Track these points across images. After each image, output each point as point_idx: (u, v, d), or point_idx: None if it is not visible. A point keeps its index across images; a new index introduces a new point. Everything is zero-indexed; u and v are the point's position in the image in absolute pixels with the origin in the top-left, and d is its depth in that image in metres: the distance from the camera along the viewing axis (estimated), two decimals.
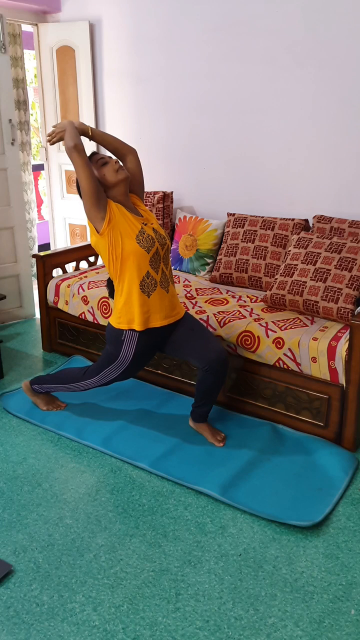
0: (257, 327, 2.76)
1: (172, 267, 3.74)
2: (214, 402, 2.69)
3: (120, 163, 2.49)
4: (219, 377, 2.54)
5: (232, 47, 3.51)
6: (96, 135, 2.55)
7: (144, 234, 2.40)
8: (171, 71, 3.80)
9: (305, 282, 2.84)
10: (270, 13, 3.31)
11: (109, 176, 2.42)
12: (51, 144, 2.55)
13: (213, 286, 3.40)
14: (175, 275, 3.58)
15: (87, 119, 4.27)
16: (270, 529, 2.14)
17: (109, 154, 2.68)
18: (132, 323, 2.47)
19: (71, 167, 4.51)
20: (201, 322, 2.71)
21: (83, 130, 2.50)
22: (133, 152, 2.59)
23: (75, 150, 2.36)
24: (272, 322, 2.80)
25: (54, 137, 2.51)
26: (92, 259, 4.02)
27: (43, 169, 4.76)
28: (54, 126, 2.52)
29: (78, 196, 2.47)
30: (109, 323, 2.57)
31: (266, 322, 2.79)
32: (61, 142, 2.54)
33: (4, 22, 3.71)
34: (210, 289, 3.35)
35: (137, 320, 2.45)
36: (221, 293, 3.25)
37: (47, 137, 2.56)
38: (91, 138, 2.54)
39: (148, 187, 3.94)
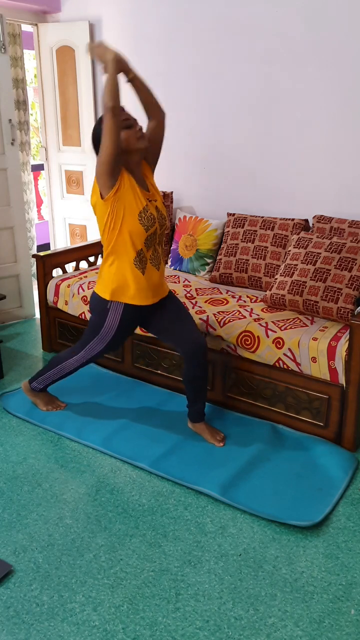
0: (257, 327, 2.76)
1: (173, 267, 3.74)
2: (205, 397, 2.68)
3: (143, 130, 2.38)
4: (199, 366, 2.57)
5: (232, 47, 3.51)
6: (135, 81, 2.37)
7: (147, 211, 2.35)
8: (171, 71, 3.80)
9: (305, 282, 2.84)
10: (270, 13, 3.31)
11: (128, 142, 2.31)
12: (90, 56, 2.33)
13: (213, 286, 3.40)
14: (175, 275, 3.58)
15: (87, 119, 4.27)
16: (270, 529, 2.14)
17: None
18: (119, 295, 2.45)
19: (71, 167, 4.52)
20: (184, 306, 2.70)
21: (124, 70, 2.29)
22: (162, 117, 2.46)
23: (111, 112, 2.18)
24: (272, 322, 2.80)
25: (93, 55, 2.30)
26: (92, 259, 4.02)
27: (43, 169, 4.76)
28: (98, 45, 2.27)
29: (94, 155, 2.36)
30: (94, 292, 2.55)
31: (266, 322, 2.79)
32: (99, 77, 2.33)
33: (4, 22, 3.71)
34: (210, 289, 3.35)
35: (127, 294, 2.44)
36: (221, 293, 3.25)
37: (89, 48, 2.32)
38: (129, 81, 2.35)
39: None
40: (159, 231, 2.45)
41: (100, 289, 2.50)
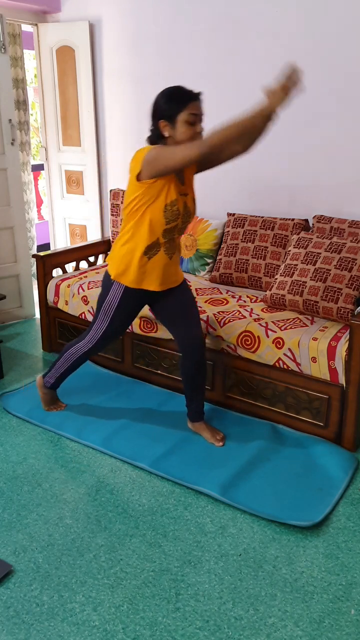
0: (257, 327, 2.76)
1: None
2: (203, 396, 2.69)
3: (202, 131, 2.25)
4: (195, 364, 2.59)
5: (231, 47, 3.51)
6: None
7: (173, 206, 2.30)
8: (171, 71, 3.80)
9: (305, 282, 2.84)
10: (270, 13, 3.31)
11: (182, 138, 2.22)
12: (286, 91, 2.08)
13: (213, 286, 3.40)
14: None
15: (87, 118, 4.27)
16: (270, 529, 2.14)
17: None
18: (122, 277, 2.43)
19: (71, 167, 4.51)
20: (195, 302, 2.64)
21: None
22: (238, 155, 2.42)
23: (211, 149, 2.10)
24: (272, 322, 2.80)
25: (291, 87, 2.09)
26: (92, 259, 4.02)
27: (43, 169, 4.75)
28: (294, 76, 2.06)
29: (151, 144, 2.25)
30: (107, 273, 2.51)
31: (266, 322, 2.79)
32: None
33: (4, 22, 3.71)
34: (210, 289, 3.35)
35: (129, 277, 2.41)
36: (221, 293, 3.25)
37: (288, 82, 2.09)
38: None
39: None
40: (180, 225, 2.40)
41: (110, 265, 2.48)
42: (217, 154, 2.34)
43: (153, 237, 2.35)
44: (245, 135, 2.22)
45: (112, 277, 2.46)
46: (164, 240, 2.38)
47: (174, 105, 2.21)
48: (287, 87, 2.08)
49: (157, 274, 2.43)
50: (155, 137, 2.31)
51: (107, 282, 2.50)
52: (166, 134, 2.26)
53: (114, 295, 2.47)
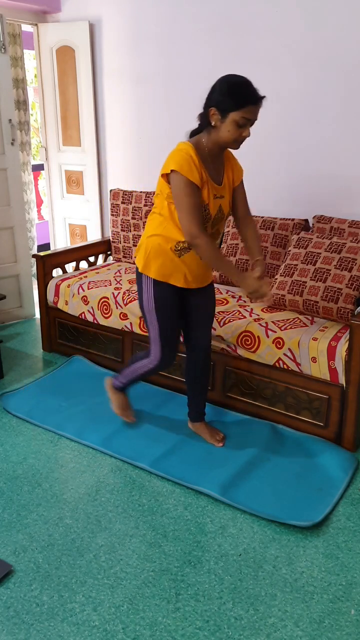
0: (257, 327, 2.76)
1: None
2: (206, 397, 2.68)
3: (248, 136, 2.16)
4: (201, 369, 2.60)
5: (232, 47, 3.51)
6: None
7: (205, 210, 2.19)
8: (171, 71, 3.80)
9: (305, 282, 2.84)
10: (270, 13, 3.31)
11: (228, 137, 2.12)
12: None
13: None
14: None
15: (87, 118, 4.27)
16: (270, 529, 2.14)
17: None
18: (150, 270, 2.31)
19: (71, 167, 4.51)
20: (214, 307, 2.61)
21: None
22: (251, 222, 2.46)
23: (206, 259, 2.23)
24: (272, 322, 2.80)
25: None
26: (92, 259, 4.02)
27: (43, 169, 4.75)
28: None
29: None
30: (136, 268, 2.41)
31: (266, 322, 2.79)
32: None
33: (4, 22, 3.71)
34: None
35: (157, 270, 2.30)
36: (221, 293, 3.25)
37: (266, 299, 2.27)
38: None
39: (148, 187, 3.94)
40: (210, 229, 2.29)
41: (138, 256, 2.37)
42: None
43: (182, 236, 2.23)
44: (226, 271, 2.27)
45: (140, 269, 2.36)
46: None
47: (232, 101, 2.07)
48: (265, 291, 2.21)
49: (185, 272, 2.31)
50: (204, 123, 2.18)
51: (138, 276, 2.39)
52: (213, 122, 2.13)
53: (148, 292, 2.35)
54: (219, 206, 2.26)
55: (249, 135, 2.15)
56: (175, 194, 2.15)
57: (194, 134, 2.26)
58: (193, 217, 2.13)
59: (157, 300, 2.36)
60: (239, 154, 3.78)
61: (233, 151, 2.34)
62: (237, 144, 2.18)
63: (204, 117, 2.18)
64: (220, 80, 2.15)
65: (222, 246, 3.47)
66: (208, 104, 2.15)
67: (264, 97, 2.12)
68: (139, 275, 2.39)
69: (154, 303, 2.36)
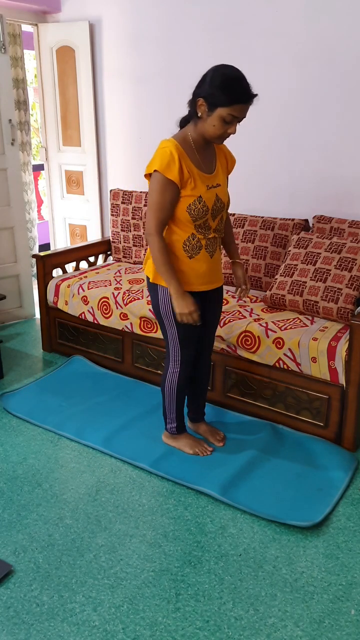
0: (257, 327, 2.76)
1: None
2: (206, 393, 2.68)
3: (233, 133, 2.10)
4: (203, 369, 2.60)
5: (232, 47, 3.51)
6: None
7: (200, 202, 2.13)
8: (171, 71, 3.80)
9: (305, 282, 2.84)
10: (271, 13, 3.31)
11: (214, 131, 2.07)
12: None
13: None
14: None
15: (87, 118, 4.27)
16: (270, 529, 2.14)
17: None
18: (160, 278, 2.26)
19: (71, 167, 4.51)
20: (220, 313, 2.59)
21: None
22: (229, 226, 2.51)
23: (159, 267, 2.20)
24: (272, 322, 2.80)
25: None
26: (92, 259, 4.02)
27: (43, 169, 4.75)
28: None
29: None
30: (147, 277, 2.35)
31: (266, 322, 2.79)
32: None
33: (4, 22, 3.71)
34: None
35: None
36: None
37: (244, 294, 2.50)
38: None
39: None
40: (212, 223, 2.22)
41: (150, 271, 2.31)
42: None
43: (187, 232, 2.19)
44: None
45: (151, 280, 2.30)
46: (201, 236, 2.22)
47: (221, 97, 2.00)
48: (195, 318, 2.23)
49: (198, 274, 2.27)
50: (192, 112, 2.13)
51: (151, 287, 2.34)
52: (199, 113, 2.08)
53: (164, 301, 2.29)
54: (215, 195, 2.19)
55: (234, 133, 2.09)
56: (149, 190, 2.15)
57: (183, 121, 2.21)
58: (157, 216, 2.13)
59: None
60: (240, 153, 3.79)
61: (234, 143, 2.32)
62: (220, 139, 2.13)
63: (192, 106, 2.11)
64: (213, 70, 2.06)
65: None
66: (197, 94, 2.08)
67: (256, 95, 2.05)
68: (153, 285, 2.32)
69: (171, 309, 2.29)
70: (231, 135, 2.14)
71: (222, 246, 2.43)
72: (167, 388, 2.48)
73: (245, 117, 2.08)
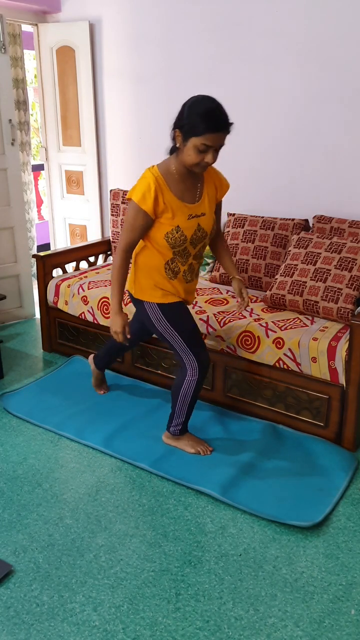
0: (257, 327, 2.76)
1: None
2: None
3: (211, 164, 2.16)
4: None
5: (232, 47, 3.51)
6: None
7: (177, 231, 2.23)
8: (171, 71, 3.80)
9: (305, 282, 2.84)
10: (271, 13, 3.31)
11: (189, 159, 2.13)
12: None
13: (213, 286, 3.40)
14: None
15: (87, 118, 4.27)
16: (270, 529, 2.14)
17: None
18: (150, 296, 2.37)
19: (71, 167, 4.52)
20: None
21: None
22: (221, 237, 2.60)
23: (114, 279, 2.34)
24: (272, 322, 2.80)
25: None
26: (92, 259, 4.02)
27: (43, 169, 4.75)
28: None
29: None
30: (130, 294, 2.47)
31: (266, 322, 2.79)
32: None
33: (4, 22, 3.71)
34: (210, 289, 3.35)
35: (157, 294, 2.35)
36: (221, 293, 3.25)
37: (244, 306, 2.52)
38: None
39: None
40: (192, 250, 2.33)
41: (135, 289, 2.43)
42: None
43: (165, 257, 2.30)
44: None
45: (136, 297, 2.42)
46: (179, 263, 2.33)
47: (192, 127, 2.06)
48: (121, 339, 2.40)
49: (176, 292, 2.39)
50: (173, 144, 2.20)
51: (138, 303, 2.44)
52: (177, 144, 2.16)
53: (155, 315, 2.39)
54: (197, 225, 2.27)
55: (212, 161, 2.12)
56: (126, 214, 2.27)
57: (171, 151, 2.26)
58: (127, 236, 2.26)
59: (168, 318, 2.39)
60: (241, 153, 3.80)
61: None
62: (199, 167, 2.16)
63: (172, 137, 2.20)
64: (188, 102, 2.12)
65: None
66: (174, 125, 2.15)
67: (230, 124, 2.08)
68: (139, 302, 2.42)
69: (166, 321, 2.39)
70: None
71: (219, 265, 2.56)
72: (183, 393, 2.47)
73: (222, 144, 2.12)
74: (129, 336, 2.40)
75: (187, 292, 2.45)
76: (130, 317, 2.71)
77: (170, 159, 2.24)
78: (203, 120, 2.04)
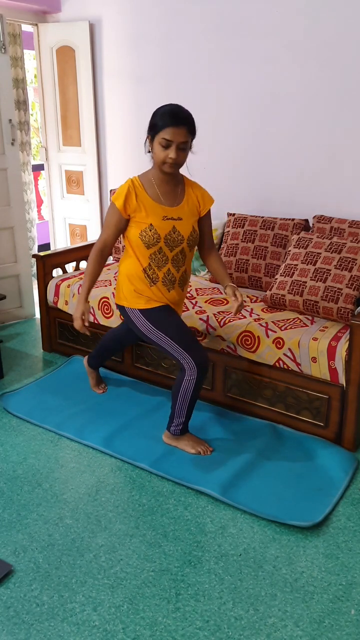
0: (257, 327, 2.76)
1: None
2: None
3: (175, 160, 2.29)
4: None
5: (232, 47, 3.51)
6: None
7: (151, 229, 2.36)
8: (171, 71, 3.80)
9: (305, 282, 2.84)
10: (270, 13, 3.31)
11: (156, 157, 2.32)
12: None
13: (213, 286, 3.40)
14: None
15: (87, 118, 4.27)
16: (270, 529, 2.14)
17: None
18: (131, 302, 2.49)
19: (71, 167, 4.52)
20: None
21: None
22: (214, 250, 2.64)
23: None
24: (272, 322, 2.80)
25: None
26: None
27: (43, 169, 4.76)
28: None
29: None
30: (116, 304, 2.61)
31: (266, 322, 2.79)
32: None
33: (4, 22, 3.71)
34: (210, 289, 3.35)
35: (139, 299, 2.47)
36: (221, 293, 3.25)
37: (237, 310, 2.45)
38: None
39: None
40: (169, 253, 2.42)
41: (118, 296, 2.58)
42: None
43: (143, 263, 2.43)
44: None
45: (119, 303, 2.55)
46: (155, 268, 2.43)
47: (155, 124, 2.28)
48: (77, 321, 2.50)
49: (159, 299, 2.48)
50: (147, 150, 2.40)
51: (124, 314, 2.57)
52: (149, 148, 2.36)
53: (138, 320, 2.50)
54: (171, 227, 2.38)
55: (175, 157, 2.26)
56: (106, 215, 2.47)
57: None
58: (103, 232, 2.46)
59: (153, 322, 2.47)
60: (241, 153, 3.80)
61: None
62: (165, 166, 2.32)
63: (144, 144, 2.40)
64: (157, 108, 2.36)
65: (222, 246, 3.47)
66: (147, 133, 2.37)
67: (188, 121, 2.27)
68: (123, 309, 2.55)
69: (152, 326, 2.47)
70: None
71: (212, 275, 2.62)
72: (182, 392, 2.47)
73: (180, 141, 2.25)
74: (87, 324, 2.49)
75: (172, 302, 2.53)
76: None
77: (150, 168, 2.44)
78: (162, 117, 2.26)
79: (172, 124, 2.23)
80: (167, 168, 2.32)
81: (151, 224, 2.37)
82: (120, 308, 2.58)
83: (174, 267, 2.47)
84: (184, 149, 2.28)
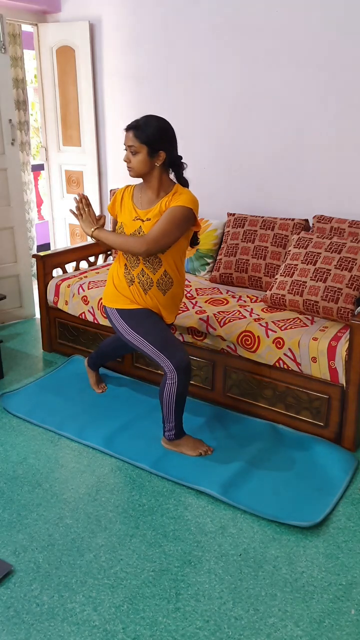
0: (257, 327, 2.76)
1: None
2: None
3: (126, 162, 2.40)
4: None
5: (232, 47, 3.51)
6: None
7: (121, 228, 2.49)
8: (171, 71, 3.80)
9: (305, 282, 2.84)
10: (271, 13, 3.31)
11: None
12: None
13: (213, 286, 3.40)
14: None
15: (87, 118, 4.27)
16: (271, 529, 2.14)
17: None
18: (110, 300, 2.57)
19: (71, 167, 4.52)
20: None
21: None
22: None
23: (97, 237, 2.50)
24: (272, 322, 2.80)
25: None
26: (92, 259, 4.02)
27: (43, 169, 4.76)
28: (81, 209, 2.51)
29: None
30: (104, 306, 2.67)
31: (266, 322, 2.79)
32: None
33: (4, 22, 3.71)
34: (210, 289, 3.35)
35: (118, 300, 2.53)
36: (221, 293, 3.25)
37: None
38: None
39: None
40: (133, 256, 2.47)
41: (103, 297, 2.66)
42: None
43: (121, 261, 2.52)
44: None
45: (103, 303, 2.64)
46: (130, 267, 2.48)
47: None
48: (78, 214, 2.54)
49: (135, 300, 2.50)
50: None
51: (106, 313, 2.62)
52: None
53: (117, 321, 2.54)
54: (138, 227, 2.43)
55: (125, 159, 2.39)
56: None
57: None
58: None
59: (130, 323, 2.49)
60: (241, 153, 3.79)
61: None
62: (128, 169, 2.42)
63: None
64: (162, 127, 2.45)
65: (222, 246, 3.47)
66: (162, 141, 2.43)
67: (128, 126, 2.36)
68: (105, 309, 2.62)
69: (128, 326, 2.50)
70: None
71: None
72: (166, 397, 2.45)
73: (127, 144, 2.36)
74: (87, 209, 2.49)
75: (154, 308, 2.51)
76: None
77: None
78: None
79: (126, 129, 2.38)
80: (130, 172, 2.43)
81: (122, 223, 2.49)
82: (105, 310, 2.62)
83: (148, 269, 2.44)
84: (133, 152, 2.35)
